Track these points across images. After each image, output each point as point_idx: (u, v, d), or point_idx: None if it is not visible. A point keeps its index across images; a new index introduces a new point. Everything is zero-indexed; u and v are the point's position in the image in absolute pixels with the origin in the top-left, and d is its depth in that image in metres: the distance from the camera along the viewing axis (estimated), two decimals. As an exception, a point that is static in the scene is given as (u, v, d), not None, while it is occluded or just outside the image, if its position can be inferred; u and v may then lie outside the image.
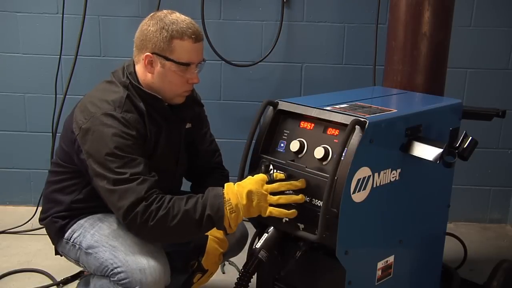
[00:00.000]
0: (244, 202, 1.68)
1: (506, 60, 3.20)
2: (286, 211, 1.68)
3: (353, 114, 1.69)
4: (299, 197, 1.67)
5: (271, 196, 1.68)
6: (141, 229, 1.73)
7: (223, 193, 1.72)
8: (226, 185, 1.75)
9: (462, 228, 3.31)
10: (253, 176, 1.72)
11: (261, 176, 1.71)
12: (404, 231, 1.93)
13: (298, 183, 1.68)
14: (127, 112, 1.84)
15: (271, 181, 1.70)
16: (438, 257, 2.20)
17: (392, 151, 1.77)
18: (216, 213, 1.70)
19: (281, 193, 1.69)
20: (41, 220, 2.06)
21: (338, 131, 1.71)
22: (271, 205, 1.68)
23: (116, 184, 1.74)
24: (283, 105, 1.83)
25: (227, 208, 1.70)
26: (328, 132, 1.74)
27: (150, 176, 1.77)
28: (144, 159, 1.80)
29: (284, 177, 1.71)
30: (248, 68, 3.20)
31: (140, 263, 1.81)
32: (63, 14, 3.07)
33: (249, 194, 1.68)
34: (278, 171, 1.73)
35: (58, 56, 3.12)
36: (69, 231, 1.98)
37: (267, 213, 1.69)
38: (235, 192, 1.71)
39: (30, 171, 3.39)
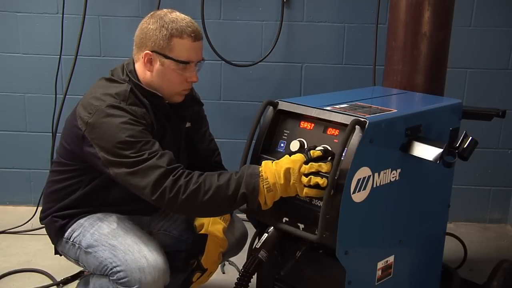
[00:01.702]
0: (282, 181, 1.65)
1: (506, 60, 3.20)
2: (321, 191, 1.63)
3: (353, 114, 1.69)
4: (322, 180, 1.62)
5: (304, 177, 1.65)
6: (172, 204, 1.70)
7: (260, 171, 1.69)
8: (263, 163, 1.71)
9: (462, 228, 3.31)
10: (290, 156, 1.69)
11: (299, 156, 1.67)
12: (404, 231, 1.93)
13: (325, 166, 1.64)
14: (132, 105, 1.84)
15: (309, 160, 1.66)
16: (438, 257, 2.20)
17: (392, 151, 1.77)
18: (251, 192, 1.67)
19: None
20: (41, 219, 2.06)
21: (338, 131, 1.71)
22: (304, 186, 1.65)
23: (135, 166, 1.72)
24: (283, 105, 1.83)
25: (265, 186, 1.66)
26: (328, 132, 1.74)
27: (166, 151, 1.76)
28: (157, 141, 1.79)
29: (321, 154, 1.67)
30: (248, 68, 3.20)
31: (140, 262, 1.81)
32: (63, 14, 3.07)
33: (287, 173, 1.65)
34: (316, 149, 1.68)
35: (58, 56, 3.12)
36: (69, 230, 1.98)
37: (303, 194, 1.66)
38: (273, 171, 1.66)
39: (30, 171, 3.39)
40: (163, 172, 1.70)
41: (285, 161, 1.67)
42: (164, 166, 1.70)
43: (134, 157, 1.72)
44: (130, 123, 1.77)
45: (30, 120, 3.33)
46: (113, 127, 1.76)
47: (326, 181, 1.62)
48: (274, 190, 1.67)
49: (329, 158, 1.68)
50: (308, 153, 1.67)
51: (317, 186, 1.63)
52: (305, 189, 1.64)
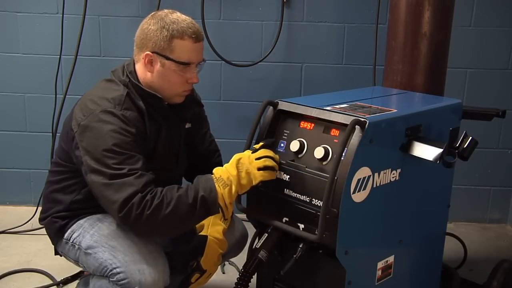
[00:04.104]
0: (234, 172, 1.75)
1: (506, 60, 3.20)
2: (274, 172, 1.77)
3: (353, 114, 1.69)
4: (272, 163, 1.76)
5: (256, 161, 1.75)
6: (137, 220, 1.71)
7: (213, 174, 1.78)
8: (215, 168, 1.80)
9: (462, 228, 3.31)
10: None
11: (245, 151, 1.81)
12: (404, 231, 1.93)
13: (269, 151, 1.79)
14: (126, 109, 1.84)
15: (254, 150, 1.79)
16: (438, 257, 2.20)
17: (392, 151, 1.77)
18: (209, 194, 1.74)
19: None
20: (41, 220, 2.06)
21: (338, 131, 1.71)
22: (259, 169, 1.75)
23: (112, 178, 1.73)
24: (283, 105, 1.84)
25: (220, 185, 1.75)
26: (328, 132, 1.74)
27: (148, 173, 1.78)
28: (143, 157, 1.80)
29: (263, 143, 1.81)
30: (248, 68, 3.20)
31: (139, 263, 1.81)
32: (63, 14, 3.07)
33: (238, 164, 1.76)
34: (258, 143, 1.82)
35: (58, 56, 3.12)
36: (69, 231, 1.98)
37: (259, 178, 1.74)
38: (224, 169, 1.78)
39: (30, 171, 3.39)
40: (136, 191, 1.71)
41: (234, 157, 1.79)
42: (139, 187, 1.72)
43: (114, 169, 1.74)
44: (120, 132, 1.78)
45: (30, 120, 3.32)
46: (103, 133, 1.77)
47: (275, 164, 1.76)
48: (229, 184, 1.75)
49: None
50: (253, 148, 1.81)
51: (269, 168, 1.75)
52: (260, 172, 1.73)
